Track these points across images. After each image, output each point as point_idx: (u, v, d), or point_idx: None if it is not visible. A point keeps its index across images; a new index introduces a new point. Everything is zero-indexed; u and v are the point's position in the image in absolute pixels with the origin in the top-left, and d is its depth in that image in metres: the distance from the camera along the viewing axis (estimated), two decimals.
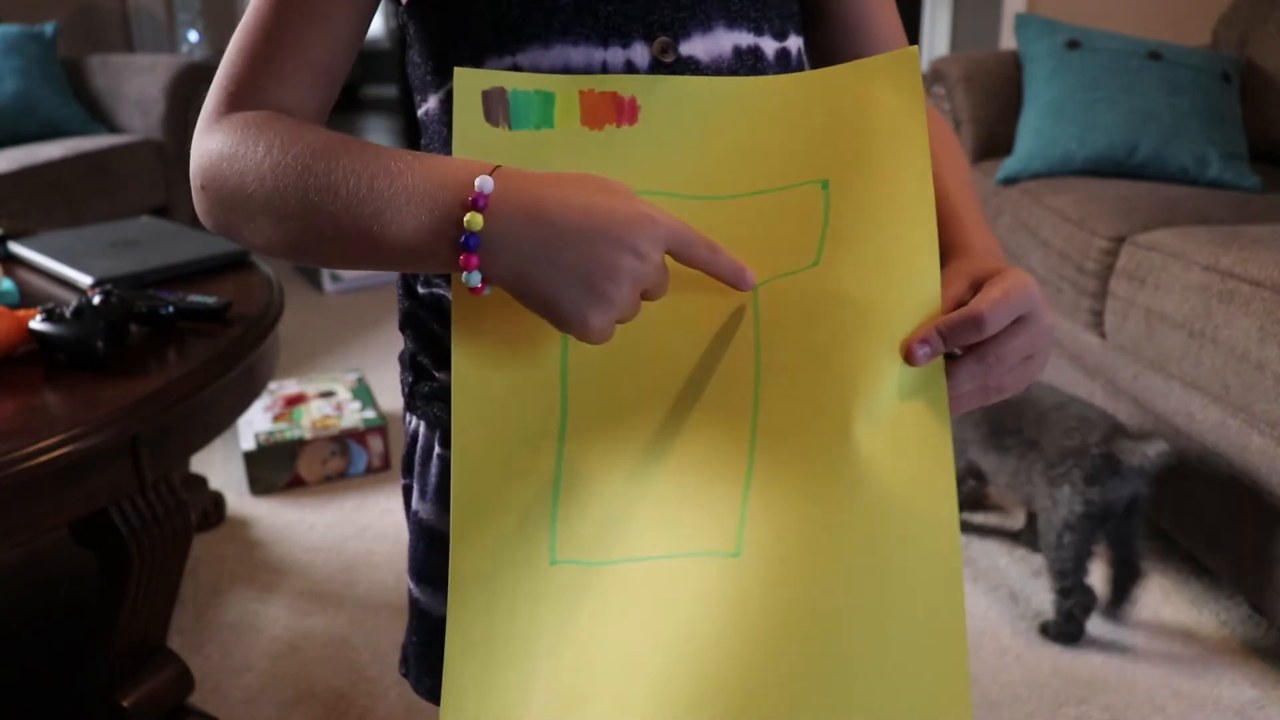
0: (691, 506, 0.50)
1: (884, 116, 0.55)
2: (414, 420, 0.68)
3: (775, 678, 0.45)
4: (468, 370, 0.52)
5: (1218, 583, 1.52)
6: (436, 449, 0.65)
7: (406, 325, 0.67)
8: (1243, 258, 1.36)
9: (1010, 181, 1.96)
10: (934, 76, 2.28)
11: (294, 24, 0.56)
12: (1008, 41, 3.06)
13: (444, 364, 0.63)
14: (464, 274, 0.48)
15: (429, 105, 0.62)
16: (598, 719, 0.47)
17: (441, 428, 0.64)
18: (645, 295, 0.50)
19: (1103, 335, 1.64)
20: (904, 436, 0.50)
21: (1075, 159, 1.91)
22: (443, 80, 0.60)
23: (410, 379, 0.67)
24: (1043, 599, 1.49)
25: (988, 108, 2.17)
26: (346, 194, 0.49)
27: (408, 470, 0.69)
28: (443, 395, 0.63)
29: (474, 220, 0.46)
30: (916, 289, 0.51)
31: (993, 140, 2.16)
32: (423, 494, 0.67)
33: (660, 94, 0.55)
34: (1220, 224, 1.59)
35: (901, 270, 0.52)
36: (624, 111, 0.55)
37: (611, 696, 0.46)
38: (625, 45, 0.57)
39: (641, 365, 0.53)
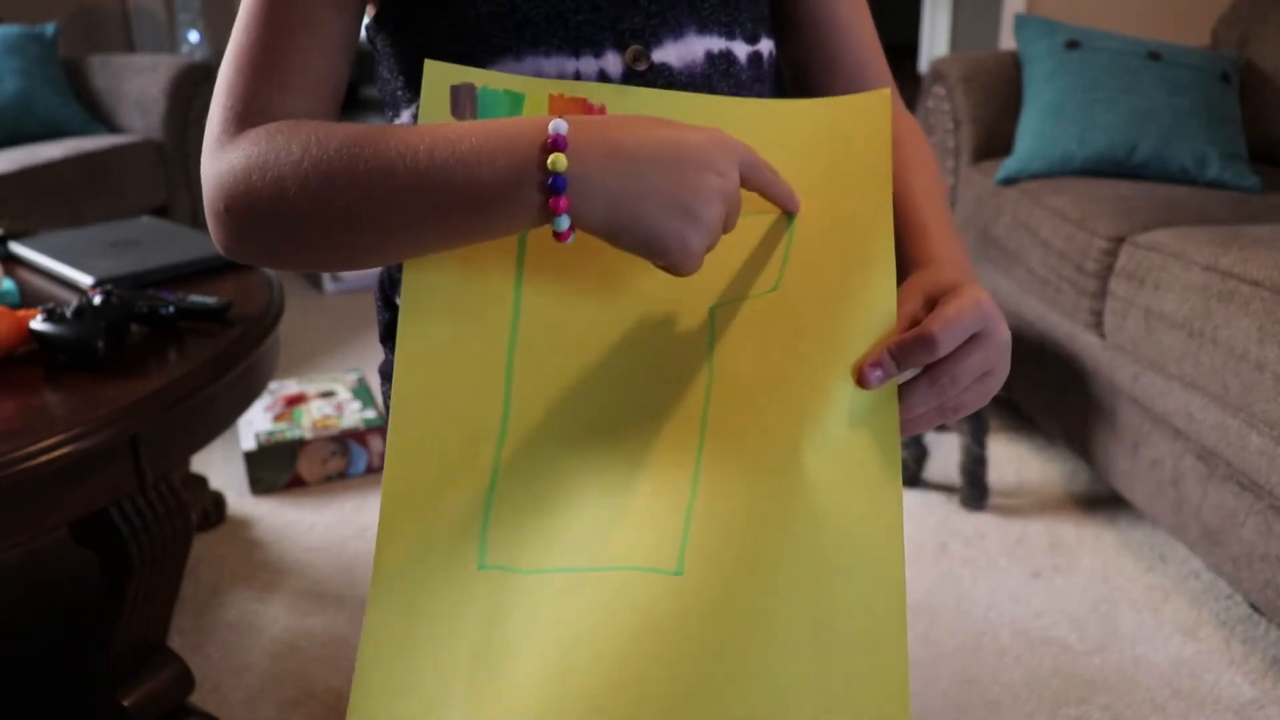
0: (632, 520, 0.49)
1: (852, 154, 0.56)
2: None
3: (711, 699, 0.44)
4: (410, 362, 0.51)
5: (1218, 581, 1.53)
6: None
7: (387, 337, 0.66)
8: (1242, 258, 1.36)
9: (1010, 181, 1.96)
10: (934, 76, 2.28)
11: (289, 34, 0.54)
12: (1008, 42, 3.06)
13: None
14: (553, 219, 0.47)
15: (402, 120, 0.61)
16: None
17: None
18: (725, 220, 0.50)
19: (1102, 335, 1.64)
20: (853, 461, 0.49)
21: (1075, 159, 1.91)
22: (415, 94, 0.59)
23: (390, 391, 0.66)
24: (1043, 599, 1.49)
25: (988, 108, 2.17)
26: (405, 170, 0.47)
27: None
28: None
29: (558, 160, 0.46)
30: (872, 315, 0.51)
31: (993, 140, 2.16)
32: None
33: (629, 105, 0.55)
34: (1220, 224, 1.59)
35: (858, 299, 0.52)
36: None
37: (536, 710, 0.45)
38: (598, 54, 0.57)
39: (590, 376, 0.52)
